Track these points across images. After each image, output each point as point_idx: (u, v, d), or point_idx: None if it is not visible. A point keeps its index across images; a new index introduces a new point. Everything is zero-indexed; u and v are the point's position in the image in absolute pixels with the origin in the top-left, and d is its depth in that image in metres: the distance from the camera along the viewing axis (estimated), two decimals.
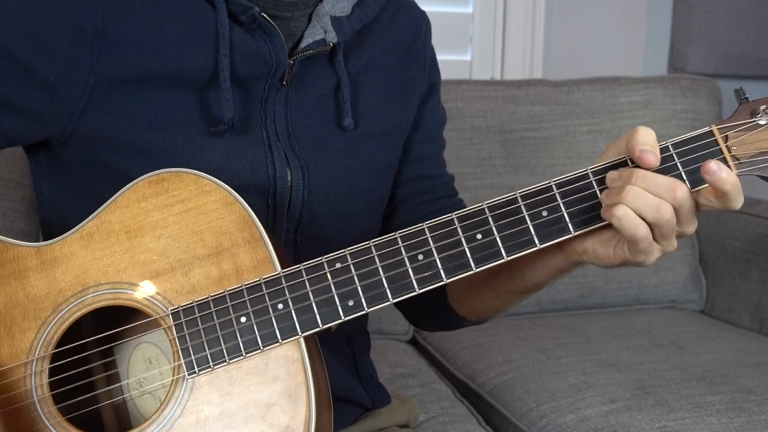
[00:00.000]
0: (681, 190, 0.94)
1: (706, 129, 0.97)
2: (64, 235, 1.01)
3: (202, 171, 1.01)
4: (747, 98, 0.99)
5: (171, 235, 0.99)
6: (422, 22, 1.29)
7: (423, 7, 1.31)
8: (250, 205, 0.99)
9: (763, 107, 0.97)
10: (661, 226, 0.94)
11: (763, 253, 2.06)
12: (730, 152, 0.96)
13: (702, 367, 1.72)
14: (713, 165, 0.93)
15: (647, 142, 0.95)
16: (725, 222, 2.18)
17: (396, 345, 2.01)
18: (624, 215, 0.93)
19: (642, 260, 0.97)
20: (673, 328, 2.02)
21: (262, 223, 0.99)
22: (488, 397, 1.73)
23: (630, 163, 0.97)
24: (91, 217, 1.01)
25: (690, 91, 2.23)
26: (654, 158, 0.94)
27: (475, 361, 1.85)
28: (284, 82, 1.12)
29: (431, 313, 1.28)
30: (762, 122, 0.96)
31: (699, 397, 1.58)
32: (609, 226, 0.97)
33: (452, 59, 2.44)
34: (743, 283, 2.12)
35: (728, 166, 0.95)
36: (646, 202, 0.93)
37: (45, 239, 1.03)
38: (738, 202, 0.95)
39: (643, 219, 0.94)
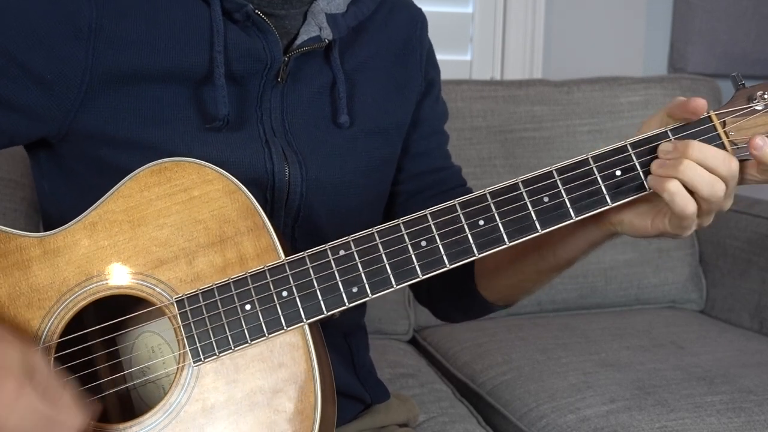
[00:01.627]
0: (735, 162, 0.96)
1: (704, 115, 0.99)
2: (67, 225, 1.01)
3: None
4: (743, 84, 1.01)
5: (174, 223, 0.99)
6: (418, 19, 1.29)
7: (423, 7, 1.31)
8: None
9: (759, 93, 0.99)
10: (712, 202, 0.96)
11: (763, 253, 2.06)
12: (728, 137, 0.98)
13: (702, 367, 1.72)
14: (759, 140, 0.95)
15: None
16: (725, 222, 2.17)
17: (396, 345, 2.01)
18: (677, 191, 0.95)
19: (681, 233, 0.99)
20: (673, 328, 2.02)
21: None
22: (488, 397, 1.73)
23: (670, 135, 0.99)
24: (93, 206, 1.00)
25: (690, 91, 2.23)
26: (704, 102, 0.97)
27: (475, 361, 1.85)
28: (279, 79, 1.12)
29: (459, 301, 1.28)
30: (758, 107, 0.99)
31: (699, 397, 1.57)
32: (642, 200, 0.99)
33: (452, 59, 2.44)
34: (743, 283, 2.12)
35: (726, 151, 0.97)
36: (703, 178, 0.95)
37: None
38: None
39: (696, 194, 0.95)
